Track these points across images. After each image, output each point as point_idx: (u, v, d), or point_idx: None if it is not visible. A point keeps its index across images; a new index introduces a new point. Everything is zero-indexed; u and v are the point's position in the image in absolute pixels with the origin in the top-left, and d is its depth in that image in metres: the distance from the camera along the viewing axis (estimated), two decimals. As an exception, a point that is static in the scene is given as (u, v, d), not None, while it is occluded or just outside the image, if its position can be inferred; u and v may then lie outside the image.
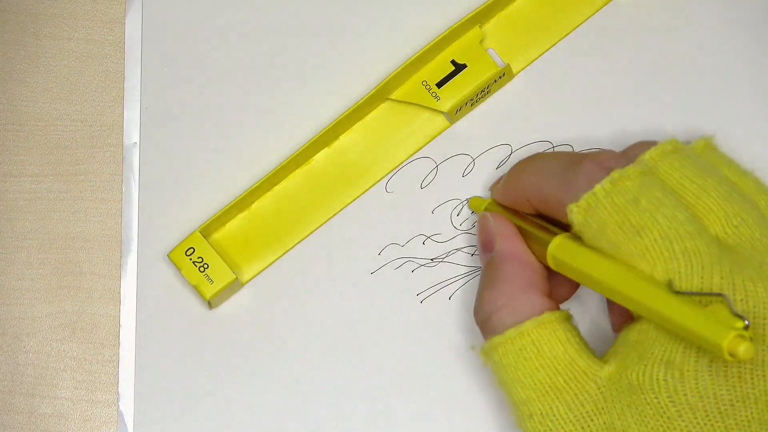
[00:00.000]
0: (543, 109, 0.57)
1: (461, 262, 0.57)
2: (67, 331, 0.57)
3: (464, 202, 0.57)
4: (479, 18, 0.56)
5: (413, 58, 0.56)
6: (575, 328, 0.50)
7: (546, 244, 0.50)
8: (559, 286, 0.53)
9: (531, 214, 0.53)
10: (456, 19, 0.57)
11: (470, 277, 0.57)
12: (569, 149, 0.57)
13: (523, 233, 0.52)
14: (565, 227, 0.51)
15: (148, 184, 0.57)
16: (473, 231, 0.57)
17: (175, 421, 0.56)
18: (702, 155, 0.50)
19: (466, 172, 0.57)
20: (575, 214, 0.48)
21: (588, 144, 0.57)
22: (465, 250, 0.57)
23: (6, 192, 0.58)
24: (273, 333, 0.56)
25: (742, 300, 0.46)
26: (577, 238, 0.50)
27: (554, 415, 0.49)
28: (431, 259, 0.57)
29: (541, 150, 0.57)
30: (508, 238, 0.52)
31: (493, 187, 0.55)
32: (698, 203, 0.48)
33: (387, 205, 0.57)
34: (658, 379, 0.47)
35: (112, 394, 0.57)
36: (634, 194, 0.48)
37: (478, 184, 0.57)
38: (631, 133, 0.57)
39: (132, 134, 0.58)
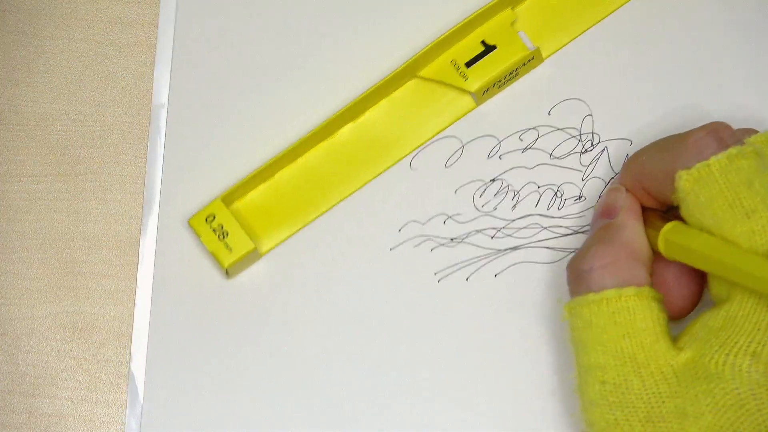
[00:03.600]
0: (570, 95, 0.57)
1: (481, 244, 0.57)
2: (67, 331, 0.57)
3: (488, 184, 0.57)
4: (512, 0, 0.56)
5: (443, 36, 0.56)
6: (665, 311, 0.50)
7: (660, 229, 0.50)
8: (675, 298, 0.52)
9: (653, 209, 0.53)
10: (488, 0, 0.57)
11: (489, 259, 0.56)
12: (595, 139, 0.57)
13: (644, 220, 0.52)
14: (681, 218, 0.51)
15: (174, 146, 0.57)
16: (495, 213, 0.57)
17: (186, 388, 0.56)
18: None
19: (491, 154, 0.57)
20: (684, 180, 0.48)
21: (613, 134, 0.57)
22: (485, 231, 0.57)
23: (6, 192, 0.58)
24: (290, 305, 0.56)
25: None
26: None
27: (627, 388, 0.48)
28: (451, 239, 0.57)
29: (566, 136, 0.57)
30: (632, 213, 0.52)
31: (610, 191, 0.54)
32: None
33: (410, 183, 0.57)
34: (741, 370, 0.46)
35: (113, 394, 0.56)
36: (748, 175, 0.48)
37: (503, 166, 0.57)
38: (658, 125, 0.57)
39: (161, 94, 0.58)
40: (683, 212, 0.50)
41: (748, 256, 0.47)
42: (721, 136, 0.49)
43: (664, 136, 0.52)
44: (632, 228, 0.51)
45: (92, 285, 0.57)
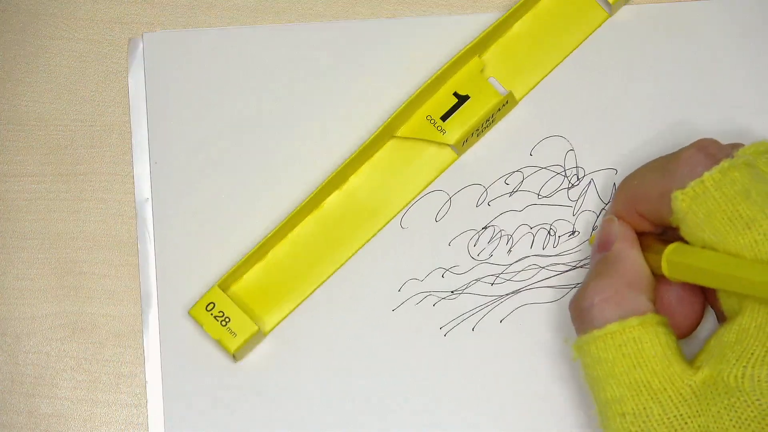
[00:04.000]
0: (549, 133, 0.57)
1: (482, 292, 0.57)
2: (67, 331, 0.57)
3: (480, 232, 0.57)
4: (478, 48, 0.57)
5: (415, 94, 0.56)
6: (673, 333, 0.50)
7: (661, 252, 0.50)
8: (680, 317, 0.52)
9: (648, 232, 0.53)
10: (454, 52, 0.57)
11: (492, 306, 0.56)
12: (580, 173, 0.57)
13: (642, 245, 0.52)
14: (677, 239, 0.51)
15: (163, 239, 0.57)
16: (491, 260, 0.57)
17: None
18: None
19: (479, 202, 0.57)
20: (680, 201, 0.48)
21: (597, 165, 0.57)
22: (485, 279, 0.57)
23: (6, 192, 0.58)
24: (299, 379, 0.56)
25: None
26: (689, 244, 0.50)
27: (647, 416, 0.48)
28: (452, 292, 0.57)
29: (551, 174, 0.57)
30: (627, 242, 0.52)
31: (604, 217, 0.54)
32: None
33: (403, 242, 0.57)
34: (759, 380, 0.46)
35: (113, 394, 0.56)
36: (743, 186, 0.48)
37: (493, 212, 0.57)
38: (641, 150, 0.57)
39: (143, 190, 0.58)
40: (683, 232, 0.50)
41: (754, 266, 0.47)
42: (710, 151, 0.49)
43: (649, 159, 0.52)
44: (629, 256, 0.51)
45: (92, 285, 0.57)
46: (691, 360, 0.50)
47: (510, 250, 0.57)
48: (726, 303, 0.50)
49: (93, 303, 0.57)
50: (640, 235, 0.52)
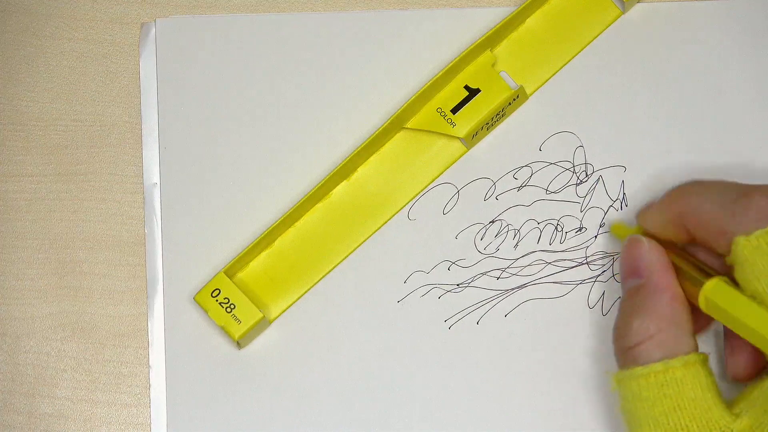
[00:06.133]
0: (559, 128, 0.57)
1: (487, 286, 0.57)
2: (67, 331, 0.57)
3: (488, 226, 0.57)
4: (490, 42, 0.57)
5: (426, 86, 0.56)
6: (713, 374, 0.49)
7: (699, 284, 0.49)
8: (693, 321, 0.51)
9: (677, 242, 0.52)
10: (467, 45, 0.57)
11: (497, 300, 0.56)
12: (589, 169, 0.57)
13: (675, 267, 0.51)
14: (713, 256, 0.50)
15: (170, 224, 0.57)
16: (498, 254, 0.57)
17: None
18: None
19: (487, 196, 0.57)
20: (742, 247, 0.48)
21: (606, 162, 0.57)
22: (490, 273, 0.57)
23: (6, 192, 0.58)
24: (303, 369, 0.56)
25: None
26: (732, 282, 0.49)
27: None
28: (457, 285, 0.57)
29: (560, 169, 0.57)
30: (663, 269, 0.50)
31: (643, 213, 0.53)
32: None
33: (410, 233, 0.57)
34: None
35: (113, 394, 0.56)
36: None
37: (500, 207, 0.57)
38: (650, 148, 0.57)
39: (152, 175, 0.58)
40: (737, 275, 0.49)
41: None
42: None
43: (656, 158, 0.51)
44: (669, 290, 0.50)
45: (92, 285, 0.57)
46: (729, 402, 0.49)
47: (516, 245, 0.57)
48: None
49: (93, 303, 0.57)
50: (677, 260, 0.51)
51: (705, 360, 0.49)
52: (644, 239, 0.51)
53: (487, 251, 0.57)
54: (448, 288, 0.57)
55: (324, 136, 0.58)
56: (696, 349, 0.49)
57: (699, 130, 0.57)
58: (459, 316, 0.56)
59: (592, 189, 0.57)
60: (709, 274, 0.50)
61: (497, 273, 0.57)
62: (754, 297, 0.48)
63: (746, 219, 0.48)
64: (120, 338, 0.57)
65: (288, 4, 0.59)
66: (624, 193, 0.57)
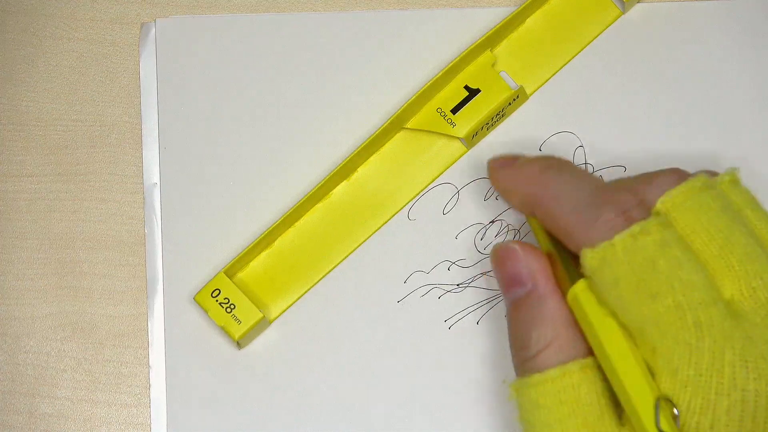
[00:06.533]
0: (559, 128, 0.57)
1: (487, 286, 0.57)
2: (67, 331, 0.57)
3: (488, 226, 0.57)
4: (490, 42, 0.57)
5: (426, 86, 0.56)
6: (605, 378, 0.48)
7: (570, 282, 0.48)
8: None
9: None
10: (466, 45, 0.57)
11: (497, 300, 0.56)
12: (589, 169, 0.57)
13: (551, 261, 0.50)
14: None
15: (170, 224, 0.57)
16: (499, 255, 0.57)
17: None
18: (727, 194, 0.48)
19: (487, 196, 0.57)
20: (589, 259, 0.46)
21: (606, 162, 0.57)
22: (491, 273, 0.57)
23: (6, 192, 0.58)
24: (303, 369, 0.56)
25: (755, 379, 0.44)
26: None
27: None
28: (457, 285, 0.57)
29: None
30: (546, 273, 0.49)
31: (496, 169, 0.51)
32: (720, 259, 0.46)
33: (410, 233, 0.57)
34: None
35: (113, 394, 0.56)
36: (652, 254, 0.45)
37: (500, 207, 0.57)
38: (650, 147, 0.57)
39: (152, 175, 0.58)
40: (591, 287, 0.47)
41: (628, 366, 0.45)
42: (629, 216, 0.46)
43: (657, 157, 0.51)
44: (556, 293, 0.49)
45: (92, 285, 0.57)
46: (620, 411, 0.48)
47: (517, 245, 0.57)
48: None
49: (93, 303, 0.57)
50: (554, 250, 0.50)
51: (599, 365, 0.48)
52: (516, 247, 0.50)
53: (487, 251, 0.57)
54: (448, 288, 0.57)
55: (324, 136, 0.58)
56: (591, 352, 0.48)
57: (699, 131, 0.57)
58: (459, 316, 0.56)
59: (592, 189, 0.57)
60: (581, 274, 0.48)
61: (497, 273, 0.57)
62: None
63: (594, 230, 0.46)
64: (120, 338, 0.57)
65: (288, 4, 0.59)
66: (624, 193, 0.57)
